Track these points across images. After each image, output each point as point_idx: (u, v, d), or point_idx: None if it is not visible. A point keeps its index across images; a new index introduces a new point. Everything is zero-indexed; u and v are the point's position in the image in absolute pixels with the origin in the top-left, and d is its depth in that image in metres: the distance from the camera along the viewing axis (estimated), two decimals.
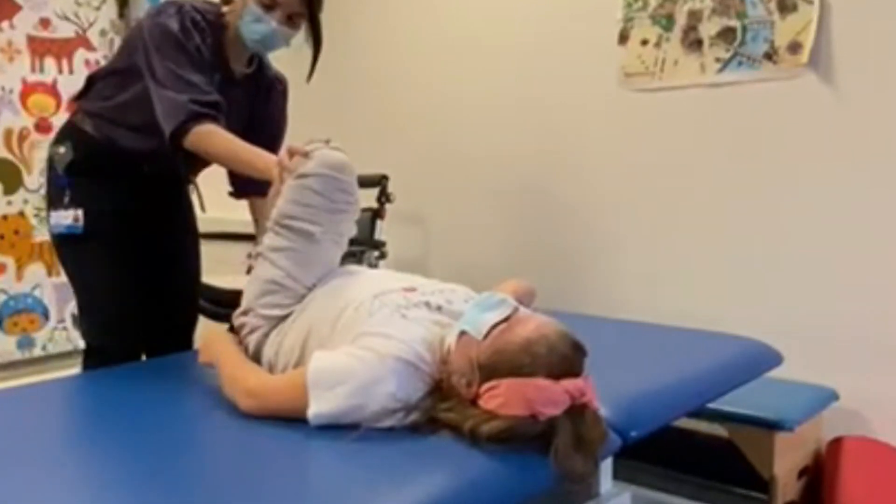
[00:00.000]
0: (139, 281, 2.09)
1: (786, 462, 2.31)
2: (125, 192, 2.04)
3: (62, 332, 3.39)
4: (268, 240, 1.71)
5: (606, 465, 1.86)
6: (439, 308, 1.52)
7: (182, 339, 2.26)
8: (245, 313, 1.71)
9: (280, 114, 2.32)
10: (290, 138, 1.71)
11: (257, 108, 2.18)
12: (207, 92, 1.86)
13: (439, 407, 1.37)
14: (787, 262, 2.59)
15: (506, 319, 1.36)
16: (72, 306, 3.31)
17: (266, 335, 1.67)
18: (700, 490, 2.48)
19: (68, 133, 2.05)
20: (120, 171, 2.03)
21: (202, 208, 2.27)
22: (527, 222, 3.26)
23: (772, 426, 2.24)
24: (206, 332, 1.92)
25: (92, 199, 2.00)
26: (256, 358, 1.67)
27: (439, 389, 1.40)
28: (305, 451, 1.36)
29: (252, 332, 1.69)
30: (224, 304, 2.93)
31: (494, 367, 1.31)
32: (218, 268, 3.45)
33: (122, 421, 1.51)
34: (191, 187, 2.27)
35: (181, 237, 2.28)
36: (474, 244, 3.43)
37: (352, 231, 1.77)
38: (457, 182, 3.49)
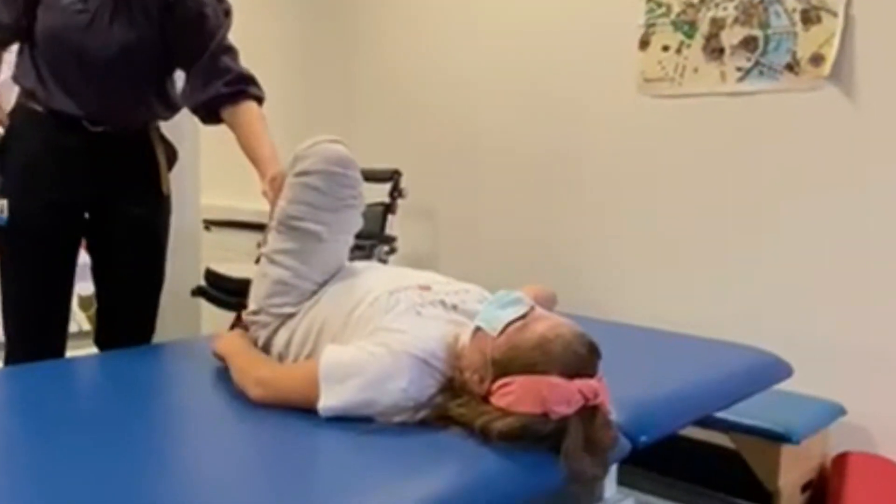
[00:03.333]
0: (66, 279, 1.99)
1: (790, 475, 2.29)
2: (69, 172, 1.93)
3: None
4: (272, 242, 1.66)
5: (611, 471, 1.86)
6: (454, 307, 1.51)
7: (136, 331, 2.10)
8: (255, 313, 1.68)
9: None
10: (303, 135, 1.68)
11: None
12: None
13: (451, 403, 1.36)
14: (801, 274, 2.58)
15: (522, 317, 1.35)
16: (79, 287, 3.30)
17: (276, 330, 1.65)
18: (702, 500, 2.47)
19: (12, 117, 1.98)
20: (64, 140, 1.92)
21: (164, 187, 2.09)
22: (539, 223, 3.25)
23: (778, 438, 2.22)
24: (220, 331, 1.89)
25: (22, 189, 1.92)
26: (266, 351, 1.66)
27: (451, 387, 1.39)
28: (314, 443, 1.35)
29: (262, 327, 1.68)
30: (233, 292, 2.94)
31: (508, 364, 1.30)
32: (226, 256, 3.46)
33: (131, 407, 1.51)
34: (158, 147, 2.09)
35: (142, 212, 2.06)
36: (485, 242, 3.42)
37: (358, 224, 1.72)
38: (469, 180, 3.48)
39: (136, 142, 2.02)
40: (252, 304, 1.69)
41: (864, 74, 2.44)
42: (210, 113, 1.97)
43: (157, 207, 2.09)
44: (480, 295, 1.58)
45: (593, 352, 1.32)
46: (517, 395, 1.28)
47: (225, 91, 1.92)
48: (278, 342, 1.64)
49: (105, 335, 2.09)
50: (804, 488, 2.39)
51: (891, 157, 2.41)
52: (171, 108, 2.08)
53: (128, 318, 2.09)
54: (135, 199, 2.02)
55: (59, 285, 1.99)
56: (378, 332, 1.42)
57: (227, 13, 2.00)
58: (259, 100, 1.97)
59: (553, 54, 3.17)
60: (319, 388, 1.36)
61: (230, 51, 1.97)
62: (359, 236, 1.77)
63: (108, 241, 2.04)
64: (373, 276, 1.66)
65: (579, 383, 1.27)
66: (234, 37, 2.02)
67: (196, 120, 2.06)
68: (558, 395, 1.26)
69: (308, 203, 1.61)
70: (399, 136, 3.70)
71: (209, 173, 3.33)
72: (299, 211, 1.61)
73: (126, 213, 2.01)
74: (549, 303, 1.71)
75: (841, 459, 2.41)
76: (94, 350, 2.10)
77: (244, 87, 1.94)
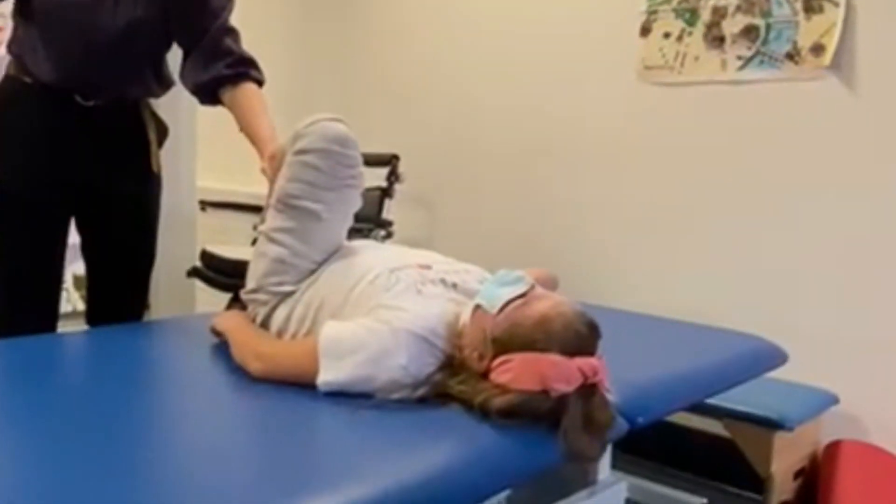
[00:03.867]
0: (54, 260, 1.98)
1: (783, 462, 2.31)
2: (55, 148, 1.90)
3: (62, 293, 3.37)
4: (271, 220, 1.66)
5: (605, 454, 1.87)
6: (454, 286, 1.51)
7: (127, 310, 2.09)
8: (254, 291, 1.68)
9: None
10: (302, 119, 1.67)
11: None
12: None
13: (450, 381, 1.36)
14: (798, 263, 2.59)
15: (522, 296, 1.35)
16: (74, 267, 3.30)
17: (274, 308, 1.65)
18: (695, 486, 2.48)
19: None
20: (55, 114, 1.89)
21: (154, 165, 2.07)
22: (537, 209, 3.25)
23: (771, 425, 2.24)
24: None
25: (12, 165, 1.90)
26: (264, 328, 1.66)
27: (451, 365, 1.39)
28: (313, 418, 1.35)
29: (261, 305, 1.67)
30: (228, 273, 2.93)
31: (508, 341, 1.31)
32: (222, 237, 3.46)
33: (128, 381, 1.50)
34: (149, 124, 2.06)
35: (132, 194, 2.04)
36: (482, 228, 3.42)
37: (358, 204, 1.71)
38: (467, 165, 3.48)
39: (127, 118, 2.01)
40: (250, 283, 1.68)
41: (865, 65, 2.44)
42: (209, 94, 1.96)
43: (147, 185, 2.07)
44: (481, 275, 1.59)
45: (593, 330, 1.33)
46: (516, 373, 1.28)
47: (226, 73, 1.91)
48: (277, 319, 1.63)
49: (96, 314, 2.08)
50: (796, 475, 2.40)
51: (890, 147, 2.41)
52: (165, 86, 2.07)
53: (119, 296, 2.08)
54: (125, 176, 2.00)
55: (48, 262, 1.97)
56: (378, 310, 1.42)
57: None
58: (259, 83, 1.96)
59: (553, 41, 3.17)
60: (319, 363, 1.36)
61: (232, 32, 1.96)
62: (356, 220, 1.75)
63: (98, 218, 2.02)
64: (373, 254, 1.65)
65: (579, 361, 1.27)
66: (234, 20, 2.01)
67: (193, 101, 2.05)
68: (558, 372, 1.26)
69: (307, 182, 1.60)
70: (397, 121, 3.69)
71: (205, 155, 3.32)
72: (298, 189, 1.60)
73: (116, 190, 1.99)
74: (551, 286, 1.68)
75: (833, 447, 2.42)
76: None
77: (245, 70, 1.93)
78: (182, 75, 1.99)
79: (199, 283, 3.19)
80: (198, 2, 1.90)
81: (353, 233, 1.83)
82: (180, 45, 1.99)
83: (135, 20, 1.86)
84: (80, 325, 2.16)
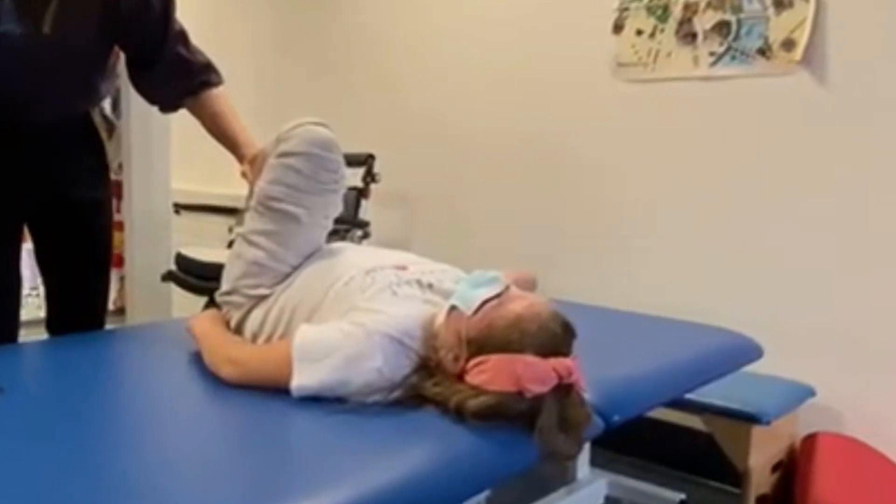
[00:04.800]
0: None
1: (761, 455, 2.32)
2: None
3: (35, 299, 3.34)
4: (250, 222, 1.64)
5: (584, 452, 1.87)
6: (430, 286, 1.51)
7: (89, 315, 2.06)
8: (229, 294, 1.66)
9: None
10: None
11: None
12: None
13: (426, 383, 1.35)
14: (771, 257, 2.61)
15: (497, 296, 1.35)
16: None
17: (249, 311, 1.63)
18: (675, 481, 2.50)
19: None
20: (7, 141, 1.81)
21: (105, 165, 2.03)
22: (513, 207, 3.25)
23: (748, 419, 2.25)
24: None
25: None
26: (238, 332, 1.64)
27: (426, 367, 1.38)
28: (287, 424, 1.34)
29: (236, 308, 1.66)
30: (204, 276, 2.91)
31: (483, 343, 1.30)
32: (197, 240, 3.43)
33: (101, 389, 1.48)
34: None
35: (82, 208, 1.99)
36: (459, 227, 3.42)
37: (338, 209, 1.71)
38: (443, 164, 3.47)
39: (79, 126, 1.97)
40: (225, 285, 1.67)
41: (835, 59, 2.46)
42: (171, 106, 1.94)
43: (101, 189, 2.04)
44: (457, 275, 1.58)
45: (568, 331, 1.32)
46: (492, 374, 1.28)
47: (187, 85, 1.88)
48: (252, 323, 1.62)
49: (56, 321, 2.05)
50: (774, 468, 2.42)
51: (861, 140, 2.43)
52: (111, 83, 2.02)
53: (79, 302, 2.05)
54: (80, 182, 1.97)
55: (4, 273, 1.92)
56: (353, 312, 1.41)
57: None
58: (219, 84, 1.92)
59: (528, 39, 3.17)
60: (292, 367, 1.35)
61: (181, 38, 1.89)
62: (334, 220, 1.75)
63: (52, 224, 1.98)
64: (349, 256, 1.65)
65: (554, 362, 1.27)
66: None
67: None
68: (533, 373, 1.25)
69: (289, 185, 1.59)
70: (372, 120, 3.68)
71: (178, 157, 3.29)
72: (279, 192, 1.59)
73: (71, 197, 1.96)
74: (529, 287, 1.68)
75: (810, 440, 2.44)
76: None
77: (205, 78, 1.90)
78: (137, 87, 1.95)
79: (174, 287, 3.16)
80: (145, 16, 1.80)
81: (330, 234, 1.82)
82: (130, 57, 1.92)
83: (77, 45, 1.77)
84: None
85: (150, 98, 1.95)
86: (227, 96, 1.92)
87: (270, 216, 1.61)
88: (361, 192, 3.32)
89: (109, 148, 2.04)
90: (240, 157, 1.80)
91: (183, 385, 1.52)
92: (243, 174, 1.74)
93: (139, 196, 3.21)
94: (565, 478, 1.87)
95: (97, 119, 2.02)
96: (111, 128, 2.07)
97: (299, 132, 1.58)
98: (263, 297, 1.61)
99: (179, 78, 1.87)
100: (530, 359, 1.26)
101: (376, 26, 3.69)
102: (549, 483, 1.90)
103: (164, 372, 1.61)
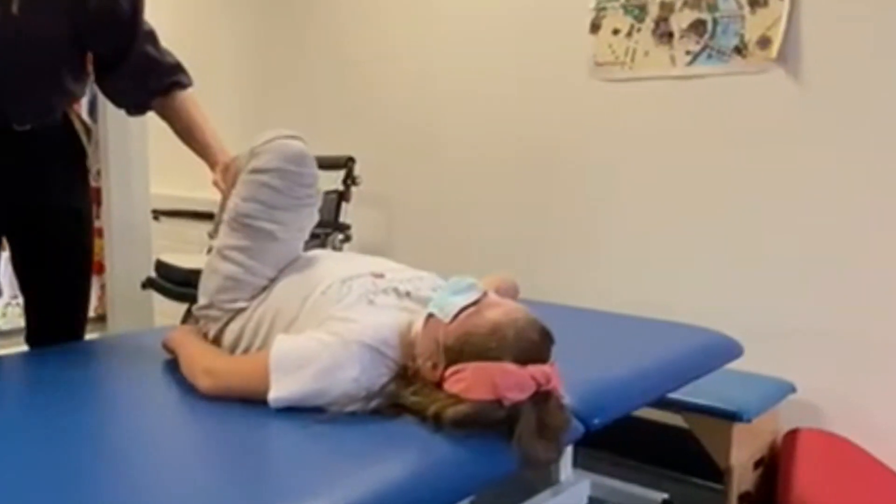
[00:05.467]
0: None
1: (742, 452, 2.34)
2: None
3: (15, 308, 3.31)
4: (225, 237, 1.62)
5: (567, 454, 1.88)
6: (408, 294, 1.50)
7: (69, 326, 2.03)
8: (206, 307, 1.65)
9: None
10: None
11: None
12: None
13: (404, 392, 1.35)
14: (749, 255, 2.62)
15: (475, 303, 1.35)
16: None
17: (227, 323, 1.62)
18: (658, 479, 2.51)
19: None
20: None
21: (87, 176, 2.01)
22: (493, 209, 3.25)
23: (730, 417, 2.26)
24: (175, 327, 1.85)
25: None
26: (217, 344, 1.64)
27: (404, 375, 1.38)
28: (265, 434, 1.33)
29: (213, 321, 1.65)
30: (184, 283, 2.89)
31: (461, 350, 1.30)
32: (176, 246, 3.41)
33: (77, 401, 1.47)
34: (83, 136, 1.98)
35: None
36: (441, 229, 3.41)
37: (314, 221, 1.69)
38: (424, 166, 3.47)
39: (59, 132, 1.93)
40: (202, 299, 1.66)
41: (810, 56, 2.47)
42: (139, 109, 1.92)
43: (82, 197, 2.01)
44: (434, 282, 1.57)
45: (546, 337, 1.33)
46: (470, 382, 1.28)
47: (155, 86, 1.85)
48: (229, 335, 1.61)
49: (36, 332, 2.02)
50: (756, 465, 2.43)
51: (835, 137, 2.45)
52: (84, 82, 1.96)
53: (59, 312, 2.02)
54: (60, 190, 1.93)
55: None
56: (329, 322, 1.41)
57: None
58: (188, 86, 1.90)
59: (505, 40, 3.16)
60: (270, 378, 1.34)
61: (150, 38, 1.86)
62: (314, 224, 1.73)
63: (30, 233, 1.95)
64: (325, 264, 1.63)
65: (532, 369, 1.27)
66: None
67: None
68: (511, 381, 1.26)
69: (262, 202, 1.56)
70: (352, 123, 3.67)
71: (157, 162, 3.27)
72: (253, 210, 1.57)
73: (50, 204, 1.92)
74: (511, 294, 1.68)
75: (791, 436, 2.45)
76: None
77: (174, 79, 1.87)
78: (103, 87, 1.92)
79: (156, 294, 3.14)
80: (113, 13, 1.76)
81: (311, 238, 1.80)
82: (97, 56, 1.88)
83: (47, 46, 1.73)
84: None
85: (116, 99, 1.92)
86: (197, 100, 1.89)
87: (244, 232, 1.58)
88: (342, 195, 3.31)
89: (90, 154, 2.01)
90: (211, 165, 1.78)
91: (160, 397, 1.52)
92: (215, 183, 1.72)
93: (118, 202, 3.19)
94: (549, 480, 1.86)
95: (77, 125, 1.99)
96: (90, 133, 2.04)
97: (272, 147, 1.55)
98: (241, 310, 1.60)
99: (147, 78, 1.84)
100: (508, 367, 1.26)
101: (356, 28, 3.67)
102: (533, 486, 1.90)
103: (140, 384, 1.60)
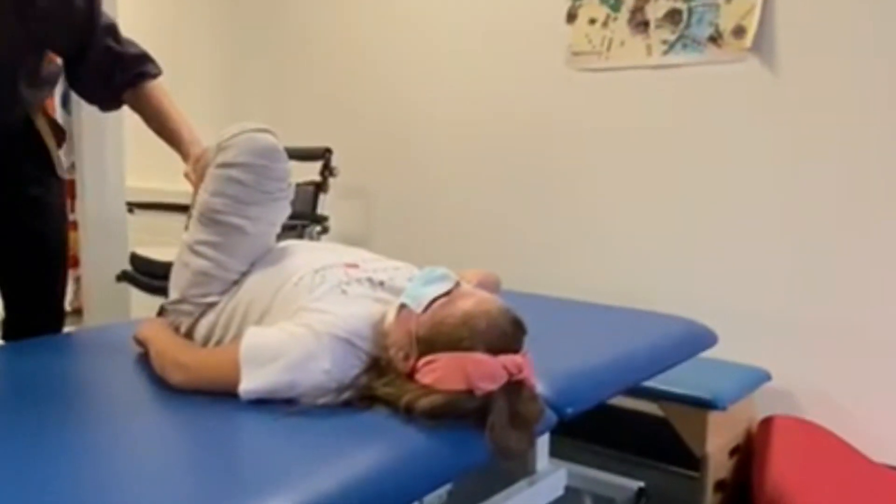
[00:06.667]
0: None
1: (718, 440, 2.35)
2: None
3: None
4: (195, 231, 1.58)
5: (543, 443, 1.88)
6: (381, 284, 1.49)
7: (46, 320, 2.02)
8: (178, 302, 1.63)
9: None
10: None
11: None
12: None
13: (376, 383, 1.34)
14: (723, 243, 2.63)
15: (447, 294, 1.34)
16: None
17: (199, 318, 1.60)
18: (634, 467, 2.52)
19: None
20: None
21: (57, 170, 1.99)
22: (471, 200, 3.25)
23: (705, 405, 2.27)
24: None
25: None
26: (189, 337, 1.62)
27: (376, 367, 1.37)
28: (236, 427, 1.32)
29: (186, 315, 1.63)
30: (160, 276, 2.87)
31: (433, 341, 1.30)
32: (153, 239, 3.38)
33: (46, 396, 1.46)
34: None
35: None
36: (419, 221, 3.41)
37: (286, 213, 1.65)
38: (402, 157, 3.46)
39: (21, 134, 1.91)
40: (173, 293, 1.63)
41: (784, 45, 2.48)
42: (110, 104, 1.89)
43: (49, 188, 1.99)
44: (410, 272, 1.56)
45: (518, 327, 1.32)
46: (442, 373, 1.27)
47: (122, 79, 1.81)
48: (202, 328, 1.59)
49: (13, 326, 2.00)
50: (732, 452, 2.45)
51: (810, 126, 2.46)
52: (40, 92, 1.94)
53: (35, 306, 2.01)
54: (25, 182, 1.92)
55: None
56: (301, 313, 1.40)
57: None
58: (157, 75, 1.86)
59: (481, 29, 3.16)
60: (240, 370, 1.33)
61: (112, 31, 1.81)
62: (290, 216, 1.70)
63: (4, 227, 1.93)
64: (298, 255, 1.61)
65: (504, 359, 1.27)
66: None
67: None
68: (482, 371, 1.25)
69: (231, 196, 1.52)
70: (330, 114, 3.65)
71: (131, 154, 3.24)
72: (222, 205, 1.53)
73: (20, 196, 1.91)
74: (493, 288, 1.65)
75: (767, 423, 2.47)
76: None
77: (142, 70, 1.83)
78: (73, 87, 1.90)
79: (133, 287, 3.12)
80: (63, 14, 1.71)
81: (288, 230, 1.78)
82: (62, 56, 1.85)
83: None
84: None
85: (88, 97, 1.89)
86: (167, 90, 1.86)
87: (214, 228, 1.55)
88: (319, 187, 3.29)
89: (58, 154, 1.99)
90: (184, 155, 1.75)
91: (131, 390, 1.50)
92: (186, 175, 1.69)
93: (93, 195, 3.16)
94: (524, 470, 1.87)
95: (41, 124, 1.96)
96: (61, 135, 2.02)
97: (240, 141, 1.51)
98: (213, 304, 1.59)
99: (112, 73, 1.80)
100: (480, 357, 1.26)
101: (333, 19, 3.65)
102: (510, 475, 1.90)
103: (111, 377, 1.58)
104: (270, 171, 1.53)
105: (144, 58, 1.85)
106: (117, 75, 1.81)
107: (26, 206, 1.92)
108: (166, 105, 1.83)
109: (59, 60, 1.90)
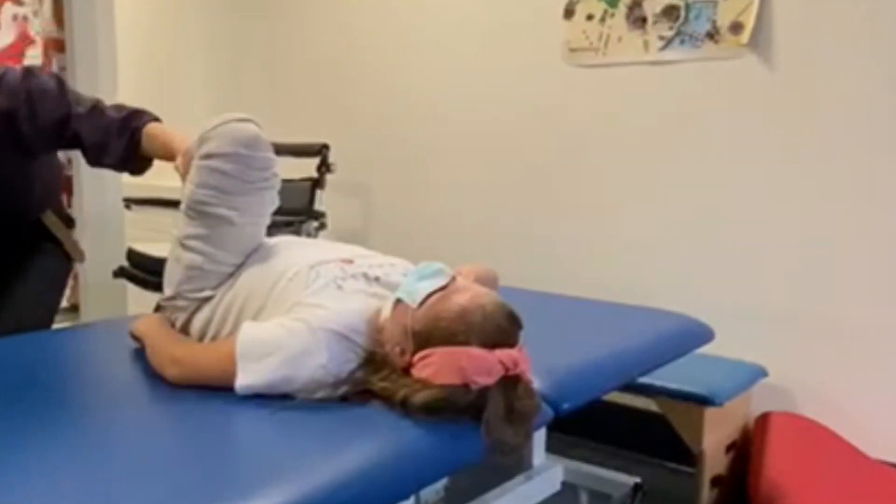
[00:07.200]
0: None
1: (714, 436, 2.35)
2: None
3: None
4: (183, 226, 1.58)
5: (539, 438, 1.88)
6: (377, 279, 1.49)
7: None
8: (173, 298, 1.62)
9: None
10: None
11: None
12: None
13: (372, 378, 1.34)
14: (720, 239, 2.64)
15: (442, 288, 1.34)
16: None
17: (194, 313, 1.60)
18: (631, 463, 2.52)
19: None
20: None
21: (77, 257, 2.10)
22: (468, 195, 3.25)
23: (701, 401, 2.28)
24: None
25: None
26: (185, 332, 1.62)
27: (372, 361, 1.37)
28: (232, 422, 1.32)
29: (181, 310, 1.62)
30: (156, 272, 2.86)
31: (429, 335, 1.29)
32: (150, 235, 3.38)
33: (40, 389, 1.45)
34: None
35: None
36: (417, 217, 3.41)
37: (274, 204, 1.64)
38: (399, 153, 3.46)
39: (30, 234, 1.98)
40: (168, 290, 1.63)
41: (781, 42, 2.48)
42: (133, 167, 1.85)
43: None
44: (405, 268, 1.56)
45: (514, 322, 1.32)
46: (437, 367, 1.27)
47: (123, 144, 1.77)
48: (197, 323, 1.59)
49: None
50: (728, 448, 2.45)
51: (807, 121, 2.46)
52: (45, 193, 2.00)
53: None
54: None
55: None
56: (297, 308, 1.40)
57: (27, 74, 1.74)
58: (155, 119, 1.82)
59: (479, 25, 3.16)
60: (236, 366, 1.33)
61: (95, 112, 1.77)
62: (287, 212, 1.69)
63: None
64: (294, 251, 1.61)
65: (499, 353, 1.27)
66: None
67: (114, 95, 1.97)
68: (478, 365, 1.25)
69: (215, 188, 1.51)
70: (327, 110, 3.65)
71: None
72: (207, 196, 1.52)
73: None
74: (491, 284, 1.64)
75: (763, 419, 2.47)
76: None
77: (136, 124, 1.78)
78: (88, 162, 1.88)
79: (129, 283, 3.12)
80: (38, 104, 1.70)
81: (286, 226, 1.76)
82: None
83: None
84: None
85: (119, 170, 1.89)
86: (162, 123, 1.83)
87: (201, 220, 1.54)
88: (316, 183, 3.29)
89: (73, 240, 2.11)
90: (175, 151, 1.73)
91: (127, 385, 1.50)
92: (176, 168, 1.67)
93: (90, 192, 3.17)
94: (521, 465, 1.87)
95: (52, 225, 2.04)
96: (70, 223, 2.09)
97: (222, 131, 1.50)
98: (208, 299, 1.58)
99: (114, 143, 1.77)
100: (475, 351, 1.26)
101: (330, 16, 3.65)
102: (507, 470, 1.90)
103: (107, 372, 1.59)
104: (253, 160, 1.52)
105: (136, 114, 1.80)
106: (118, 142, 1.77)
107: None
108: (161, 135, 1.78)
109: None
